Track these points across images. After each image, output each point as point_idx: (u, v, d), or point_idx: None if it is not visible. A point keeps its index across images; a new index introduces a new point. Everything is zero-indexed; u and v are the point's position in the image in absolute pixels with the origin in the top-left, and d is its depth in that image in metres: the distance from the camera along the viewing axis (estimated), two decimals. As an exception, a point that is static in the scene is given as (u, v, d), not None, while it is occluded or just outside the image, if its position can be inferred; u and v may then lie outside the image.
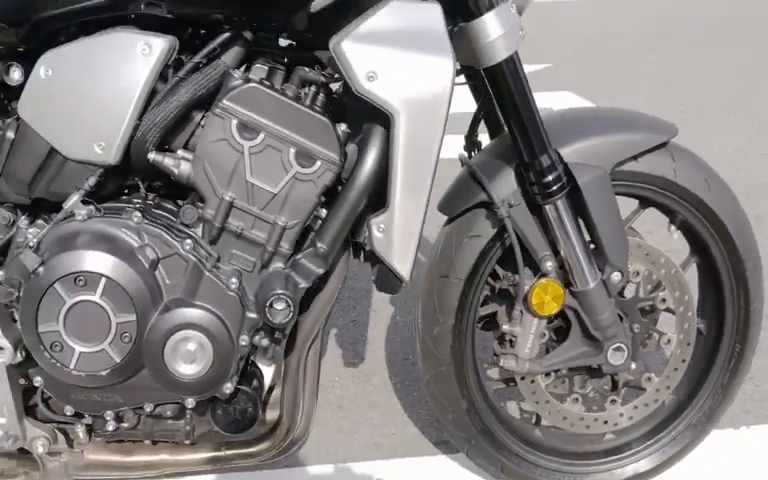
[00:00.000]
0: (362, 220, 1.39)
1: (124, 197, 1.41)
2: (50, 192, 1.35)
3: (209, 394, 1.39)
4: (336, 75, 1.36)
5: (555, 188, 1.47)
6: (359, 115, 1.37)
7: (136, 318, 1.30)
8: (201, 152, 1.31)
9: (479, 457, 1.73)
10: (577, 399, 1.70)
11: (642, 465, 1.76)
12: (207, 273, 1.33)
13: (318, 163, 1.32)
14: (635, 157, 1.55)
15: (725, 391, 1.72)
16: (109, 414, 1.43)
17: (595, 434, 1.76)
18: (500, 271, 1.64)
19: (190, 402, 1.40)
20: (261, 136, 1.30)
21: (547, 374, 1.66)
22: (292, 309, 1.30)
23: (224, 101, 1.29)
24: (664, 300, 1.65)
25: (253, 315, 1.36)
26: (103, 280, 1.28)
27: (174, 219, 1.37)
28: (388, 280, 1.40)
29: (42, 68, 1.29)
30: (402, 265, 1.37)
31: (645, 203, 1.64)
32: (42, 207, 1.39)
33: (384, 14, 1.29)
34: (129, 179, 1.40)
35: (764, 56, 4.32)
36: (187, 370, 1.34)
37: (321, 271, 1.37)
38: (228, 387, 1.39)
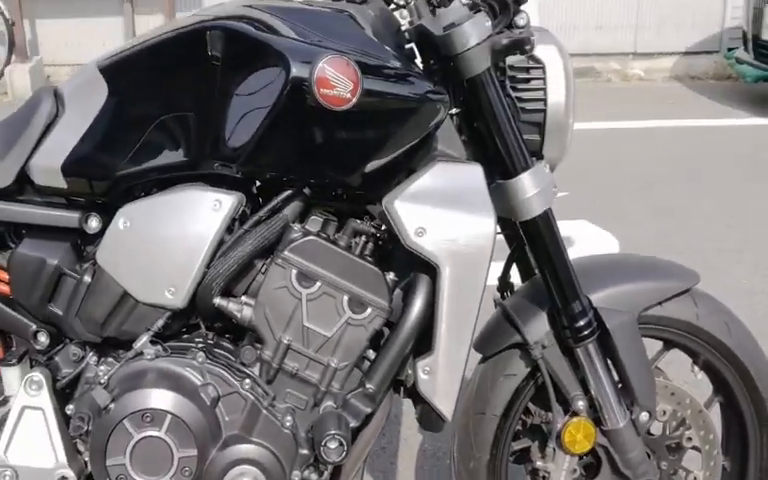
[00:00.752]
0: (406, 360, 1.49)
1: (186, 336, 1.51)
2: (120, 331, 1.46)
3: None
4: (384, 227, 1.49)
5: (586, 332, 1.57)
6: (405, 263, 1.49)
7: (197, 453, 1.39)
8: (262, 298, 1.42)
9: None
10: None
11: None
12: (264, 411, 1.42)
13: (369, 309, 1.43)
14: (660, 303, 1.66)
15: None
16: None
17: None
18: (532, 407, 1.72)
19: None
20: (318, 284, 1.42)
21: (578, 510, 1.72)
22: (345, 448, 1.39)
23: (285, 252, 1.41)
24: (690, 439, 1.72)
25: (305, 451, 1.44)
26: (168, 417, 1.38)
27: (233, 358, 1.47)
28: (432, 419, 1.49)
29: (121, 220, 1.42)
30: (446, 406, 1.46)
31: (669, 345, 1.73)
32: (109, 344, 1.49)
33: (431, 175, 1.42)
34: (192, 319, 1.51)
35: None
36: None
37: (369, 410, 1.46)
38: None
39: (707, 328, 1.68)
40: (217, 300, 1.43)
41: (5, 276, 1.52)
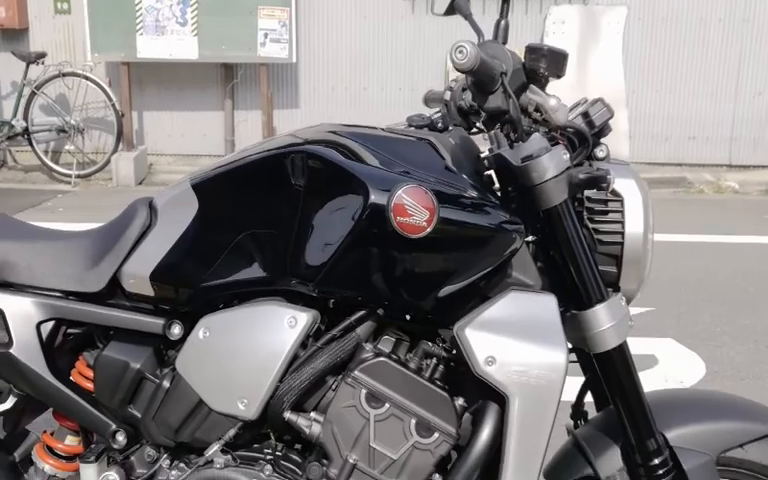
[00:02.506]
0: None
1: (255, 446, 1.54)
2: (193, 438, 1.50)
3: None
4: (455, 351, 1.50)
5: (661, 472, 1.52)
6: (475, 389, 1.49)
7: None
8: (331, 416, 1.44)
9: None
10: None
11: None
12: (327, 531, 1.43)
13: (436, 434, 1.44)
14: (741, 445, 1.59)
15: None
16: None
17: None
18: None
19: None
20: (386, 406, 1.43)
21: None
22: None
23: (356, 372, 1.44)
24: None
25: None
26: (235, 527, 1.40)
27: (299, 473, 1.48)
28: None
29: (201, 329, 1.48)
30: (511, 540, 1.43)
31: None
32: (182, 449, 1.54)
33: (504, 303, 1.43)
34: (262, 430, 1.54)
35: None
36: None
37: None
38: None
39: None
40: (287, 414, 1.45)
41: (91, 374, 1.59)
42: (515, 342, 1.40)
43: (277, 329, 1.45)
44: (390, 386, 1.44)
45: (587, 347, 1.51)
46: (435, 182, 1.40)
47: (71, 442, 1.66)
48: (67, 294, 1.56)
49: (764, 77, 7.16)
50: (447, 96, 1.87)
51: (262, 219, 1.46)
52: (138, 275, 1.52)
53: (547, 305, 1.44)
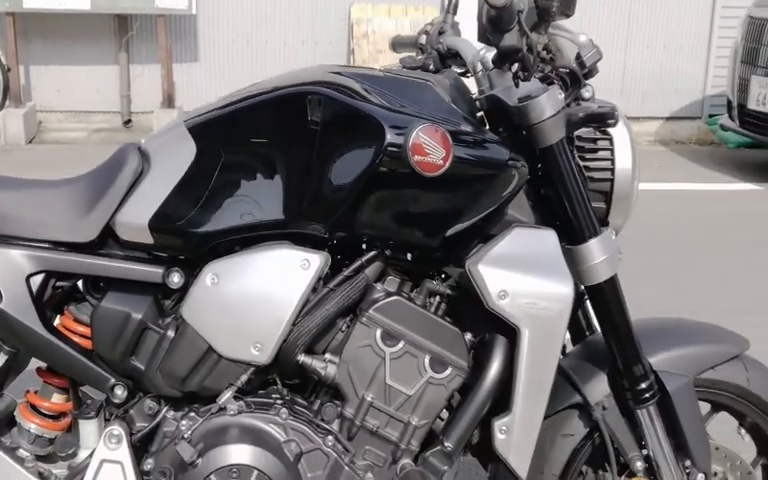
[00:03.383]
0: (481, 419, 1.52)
1: (262, 391, 1.53)
2: (202, 387, 1.47)
3: None
4: (458, 287, 1.53)
5: (648, 395, 1.62)
6: (478, 323, 1.53)
7: None
8: (346, 356, 1.45)
9: None
10: None
11: None
12: (346, 468, 1.44)
13: (449, 369, 1.47)
14: (713, 367, 1.71)
15: None
16: None
17: None
18: (583, 468, 1.75)
19: None
20: (401, 344, 1.46)
21: None
22: None
23: (371, 311, 1.45)
24: (738, 501, 1.77)
25: None
26: (255, 473, 1.39)
27: (312, 414, 1.49)
28: (500, 473, 1.52)
29: (208, 276, 1.44)
30: (521, 465, 1.50)
31: (718, 407, 1.79)
32: (187, 399, 1.51)
33: (510, 240, 1.47)
34: (269, 375, 1.53)
35: None
36: None
37: (447, 469, 1.48)
38: None
39: (757, 392, 1.74)
40: (302, 357, 1.45)
41: (84, 329, 1.53)
42: (524, 276, 1.45)
43: (290, 272, 1.43)
44: (404, 324, 1.46)
45: (580, 280, 1.57)
46: (444, 122, 1.41)
47: (58, 399, 1.59)
48: (57, 245, 1.49)
49: (653, 31, 7.51)
50: (422, 40, 1.89)
51: (271, 161, 1.44)
52: (134, 223, 1.47)
53: (549, 239, 1.49)
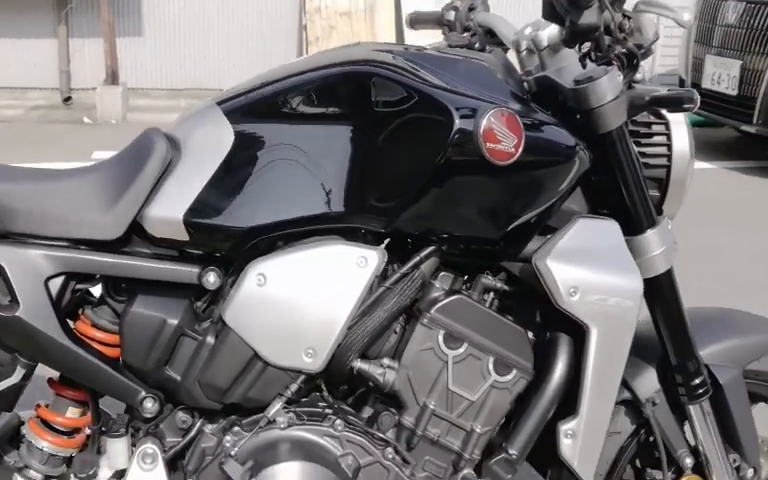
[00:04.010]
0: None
1: (306, 400, 1.40)
2: (246, 398, 1.34)
3: None
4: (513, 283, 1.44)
5: (702, 390, 1.56)
6: (536, 321, 1.44)
7: None
8: (406, 360, 1.34)
9: None
10: None
11: None
12: (408, 481, 1.33)
13: (514, 372, 1.37)
14: (758, 358, 1.66)
15: None
16: None
17: None
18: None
19: None
20: (464, 346, 1.35)
21: None
22: None
23: (433, 312, 1.34)
24: (781, 493, 1.73)
25: None
26: (314, 491, 1.27)
27: (369, 424, 1.37)
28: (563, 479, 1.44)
29: (255, 277, 1.30)
30: (586, 470, 1.41)
31: (755, 399, 1.74)
32: (226, 411, 1.37)
33: (575, 232, 1.38)
34: (316, 383, 1.40)
35: None
36: None
37: (510, 477, 1.39)
38: None
39: (797, 381, 1.71)
40: (357, 363, 1.33)
41: (103, 336, 1.38)
42: (593, 271, 1.36)
43: (346, 270, 1.31)
44: (467, 324, 1.35)
45: None
46: (511, 106, 1.31)
47: (73, 414, 1.43)
48: (77, 243, 1.33)
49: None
50: (450, 16, 1.77)
51: (321, 149, 1.30)
52: (167, 218, 1.31)
53: (613, 231, 1.40)
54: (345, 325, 1.31)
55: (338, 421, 1.33)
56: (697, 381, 1.55)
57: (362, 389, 1.40)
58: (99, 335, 1.38)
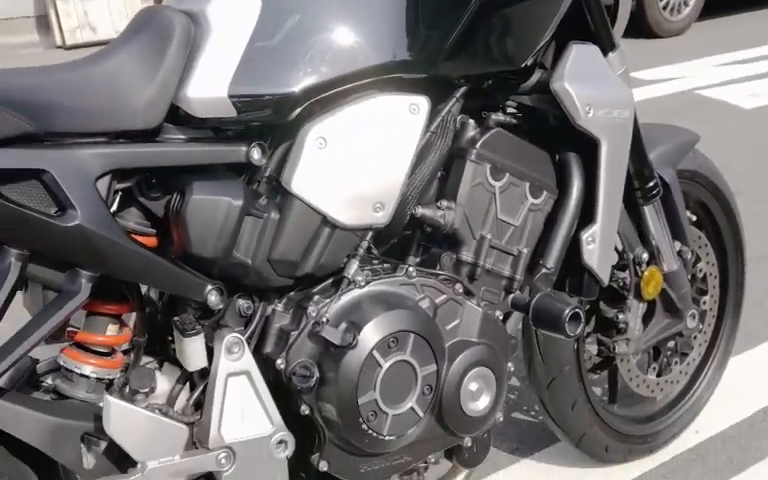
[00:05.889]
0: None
1: (372, 257, 1.40)
2: (318, 266, 1.31)
3: (488, 427, 1.45)
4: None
5: (654, 192, 1.78)
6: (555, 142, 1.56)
7: (436, 368, 1.34)
8: (461, 199, 1.39)
9: (590, 444, 1.95)
10: (654, 368, 2.02)
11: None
12: (480, 310, 1.40)
13: (545, 193, 1.49)
14: (682, 159, 1.93)
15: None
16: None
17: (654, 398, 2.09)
18: None
19: (467, 441, 1.45)
20: (506, 176, 1.43)
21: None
22: (583, 319, 1.42)
23: (478, 148, 1.40)
24: (701, 270, 2.05)
25: (513, 340, 1.46)
26: (411, 337, 1.30)
27: (433, 267, 1.41)
28: (585, 284, 1.59)
29: (314, 140, 1.27)
30: (604, 271, 1.58)
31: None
32: (275, 292, 1.33)
33: (576, 56, 1.49)
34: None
35: None
36: (479, 406, 1.40)
37: (549, 289, 1.51)
38: (500, 417, 1.46)
39: (704, 173, 2.01)
40: (419, 210, 1.36)
41: (149, 232, 1.27)
42: (597, 88, 1.50)
43: (401, 120, 1.32)
44: (506, 156, 1.43)
45: None
46: None
47: (112, 332, 1.31)
48: (119, 137, 1.20)
49: None
50: None
51: (359, 3, 1.28)
52: (210, 96, 1.23)
53: (597, 53, 1.55)
54: (407, 173, 1.33)
55: (410, 269, 1.36)
56: (650, 184, 1.77)
57: (417, 237, 1.43)
58: (146, 231, 1.28)
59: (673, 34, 6.56)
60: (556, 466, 2.07)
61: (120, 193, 1.23)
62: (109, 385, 1.31)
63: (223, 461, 1.25)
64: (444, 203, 1.39)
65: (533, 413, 2.25)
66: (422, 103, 1.33)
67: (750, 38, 6.27)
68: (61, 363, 1.29)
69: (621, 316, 1.85)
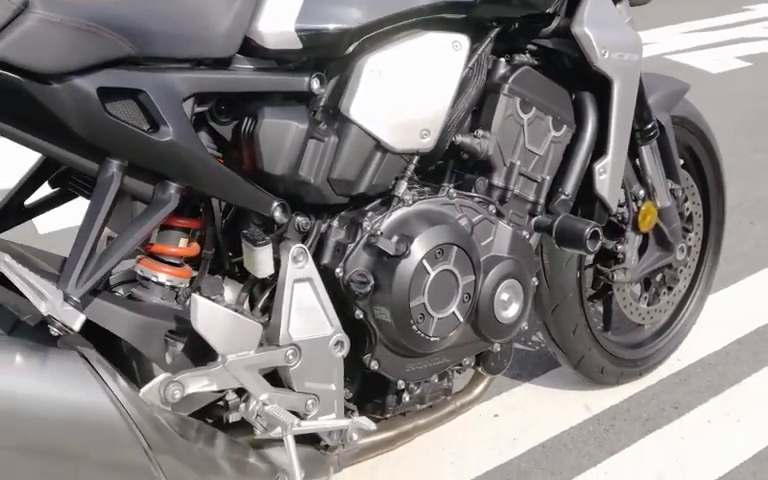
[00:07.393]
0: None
1: (418, 178, 1.55)
2: (370, 186, 1.46)
3: (515, 333, 1.62)
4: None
5: (652, 133, 1.96)
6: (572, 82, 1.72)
7: (474, 278, 1.50)
8: (495, 128, 1.55)
9: (588, 366, 2.13)
10: (645, 298, 2.22)
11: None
12: (510, 229, 1.57)
13: (564, 127, 1.66)
14: (675, 105, 2.12)
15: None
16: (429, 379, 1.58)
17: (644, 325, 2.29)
18: None
19: (496, 346, 1.62)
20: (533, 109, 1.60)
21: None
22: (601, 236, 1.60)
23: (510, 83, 1.56)
24: (687, 208, 2.24)
25: (536, 258, 1.63)
26: (454, 249, 1.46)
27: (468, 189, 1.57)
28: (596, 211, 1.76)
29: (370, 71, 1.41)
30: (613, 199, 1.76)
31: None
32: (328, 209, 1.48)
33: (594, 5, 1.65)
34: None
35: None
36: (509, 314, 1.56)
37: (567, 213, 1.68)
38: (525, 325, 1.63)
39: (692, 119, 2.20)
40: (459, 137, 1.52)
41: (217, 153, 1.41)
42: (611, 33, 1.66)
43: (446, 54, 1.47)
44: (534, 91, 1.60)
45: None
46: None
47: (183, 244, 1.44)
48: (201, 63, 1.32)
49: None
50: None
51: None
52: (279, 30, 1.36)
53: (609, 2, 1.71)
54: (451, 104, 1.48)
55: (451, 190, 1.51)
56: (649, 126, 1.95)
57: (452, 164, 1.59)
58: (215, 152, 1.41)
59: (640, 3, 6.82)
60: (553, 388, 2.27)
61: (194, 117, 1.35)
62: (177, 295, 1.45)
63: (291, 357, 1.39)
64: (480, 132, 1.55)
65: (530, 344, 2.45)
66: (463, 41, 1.48)
67: (712, 9, 6.54)
68: (138, 272, 1.42)
69: (620, 247, 2.04)
